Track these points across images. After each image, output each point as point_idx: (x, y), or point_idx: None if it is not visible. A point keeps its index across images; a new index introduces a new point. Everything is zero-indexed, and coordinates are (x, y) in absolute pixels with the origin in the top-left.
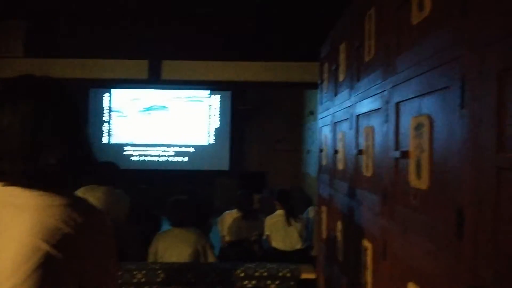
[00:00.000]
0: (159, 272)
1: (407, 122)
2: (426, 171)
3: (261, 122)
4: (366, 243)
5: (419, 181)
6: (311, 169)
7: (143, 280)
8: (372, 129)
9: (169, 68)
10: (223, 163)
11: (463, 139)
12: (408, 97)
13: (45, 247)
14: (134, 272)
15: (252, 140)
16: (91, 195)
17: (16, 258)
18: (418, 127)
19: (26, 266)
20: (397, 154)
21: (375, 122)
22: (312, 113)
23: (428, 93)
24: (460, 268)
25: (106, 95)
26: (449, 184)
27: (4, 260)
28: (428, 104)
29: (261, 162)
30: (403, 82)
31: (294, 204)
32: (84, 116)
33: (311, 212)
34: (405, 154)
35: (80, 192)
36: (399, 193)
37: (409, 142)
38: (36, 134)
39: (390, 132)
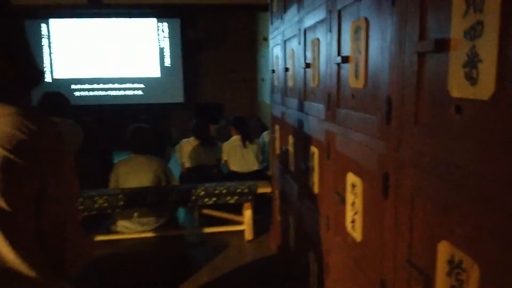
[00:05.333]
0: (120, 196)
1: (348, 28)
2: (362, 71)
3: (214, 52)
4: (313, 149)
5: (357, 82)
6: (266, 97)
7: (105, 205)
8: (318, 41)
9: None
10: (178, 96)
11: (393, 34)
12: (349, 2)
13: (2, 152)
14: (95, 198)
15: (206, 70)
16: None
17: None
18: (356, 30)
19: None
20: (338, 59)
21: (320, 33)
22: (266, 39)
23: None
24: (388, 149)
25: (43, 26)
26: (380, 79)
27: None
28: (365, 7)
29: (216, 93)
30: None
31: (250, 129)
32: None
33: (266, 136)
34: (345, 59)
35: None
36: (341, 97)
37: (349, 48)
38: None
39: (333, 41)
